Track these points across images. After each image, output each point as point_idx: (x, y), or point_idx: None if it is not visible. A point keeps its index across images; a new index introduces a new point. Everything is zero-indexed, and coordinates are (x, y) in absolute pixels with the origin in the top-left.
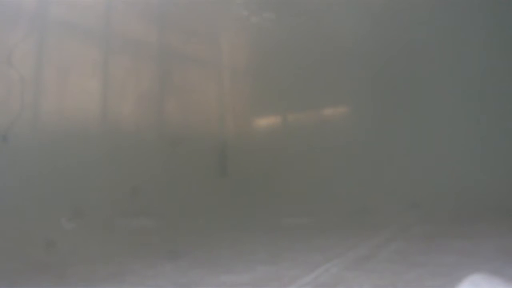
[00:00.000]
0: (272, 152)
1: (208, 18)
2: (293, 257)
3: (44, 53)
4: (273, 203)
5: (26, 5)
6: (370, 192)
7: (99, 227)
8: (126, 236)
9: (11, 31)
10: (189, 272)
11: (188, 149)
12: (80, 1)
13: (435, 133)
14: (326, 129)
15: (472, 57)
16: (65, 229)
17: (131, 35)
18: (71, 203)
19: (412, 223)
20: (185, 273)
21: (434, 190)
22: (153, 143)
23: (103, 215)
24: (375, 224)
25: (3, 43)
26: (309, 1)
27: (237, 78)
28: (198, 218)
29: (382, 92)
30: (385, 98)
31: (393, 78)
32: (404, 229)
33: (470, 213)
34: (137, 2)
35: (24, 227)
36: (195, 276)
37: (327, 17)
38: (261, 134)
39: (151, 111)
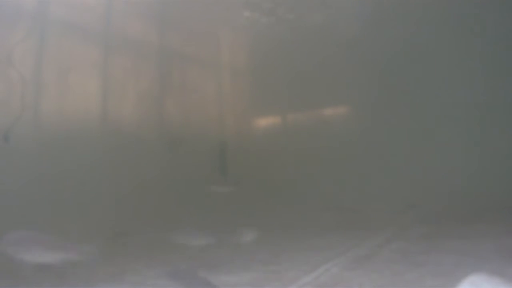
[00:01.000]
0: (272, 151)
1: (208, 18)
2: (293, 257)
3: (44, 53)
4: (273, 203)
5: (26, 5)
6: (370, 192)
7: (99, 227)
8: (126, 237)
9: (11, 31)
10: (189, 272)
11: (188, 149)
12: (80, 1)
13: (435, 133)
14: (326, 129)
15: (472, 57)
16: (65, 230)
17: (131, 35)
18: (71, 202)
19: (412, 223)
20: (185, 273)
21: (434, 190)
22: (153, 142)
23: (103, 215)
24: (375, 224)
25: (4, 43)
26: (309, 1)
27: (237, 78)
28: (197, 217)
29: (382, 92)
30: (385, 98)
31: (393, 78)
32: (404, 229)
33: (470, 213)
34: (137, 2)
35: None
36: (195, 276)
37: (327, 17)
38: (261, 133)
39: (151, 111)
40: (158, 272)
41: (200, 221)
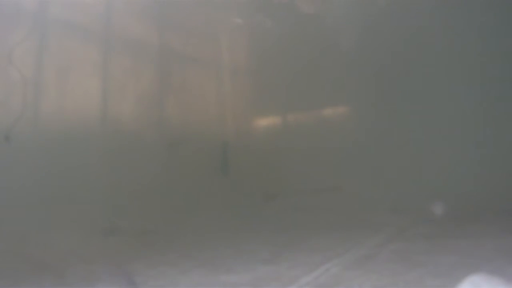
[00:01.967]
0: (272, 151)
1: (208, 18)
2: (293, 257)
3: (45, 53)
4: (273, 203)
5: (26, 5)
6: (370, 192)
7: (100, 228)
8: (126, 237)
9: (11, 31)
10: (189, 272)
11: (188, 149)
12: (80, 1)
13: (435, 133)
14: (326, 129)
15: (473, 57)
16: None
17: (131, 35)
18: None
19: (412, 223)
20: (185, 273)
21: (433, 190)
22: (153, 143)
23: (103, 215)
24: (375, 224)
25: (4, 43)
26: (309, 1)
27: (238, 78)
28: (198, 217)
29: (382, 92)
30: (385, 98)
31: (394, 78)
32: (404, 229)
33: (470, 213)
34: (137, 2)
35: (24, 226)
36: (195, 276)
37: (327, 16)
38: (261, 133)
39: (151, 111)
40: (158, 272)
41: (200, 221)
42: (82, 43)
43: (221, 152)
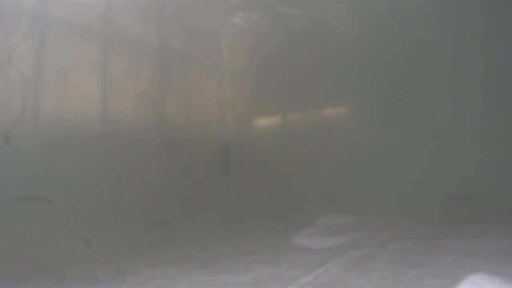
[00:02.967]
0: (273, 151)
1: (208, 18)
2: (293, 257)
3: (45, 53)
4: (273, 203)
5: (26, 5)
6: (370, 192)
7: (100, 227)
8: (126, 237)
9: (11, 31)
10: (189, 272)
11: (189, 149)
12: (80, 1)
13: (435, 133)
14: (326, 129)
15: (473, 57)
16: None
17: (131, 35)
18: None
19: (412, 223)
20: (185, 273)
21: (434, 190)
22: (153, 143)
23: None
24: (375, 224)
25: (4, 43)
26: (309, 1)
27: (238, 77)
28: (198, 217)
29: (383, 92)
30: (385, 98)
31: (394, 78)
32: (404, 229)
33: (470, 213)
34: (137, 2)
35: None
36: (195, 276)
37: (327, 16)
38: (262, 133)
39: (151, 111)
40: (158, 272)
41: (200, 221)
42: (82, 43)
43: (222, 151)
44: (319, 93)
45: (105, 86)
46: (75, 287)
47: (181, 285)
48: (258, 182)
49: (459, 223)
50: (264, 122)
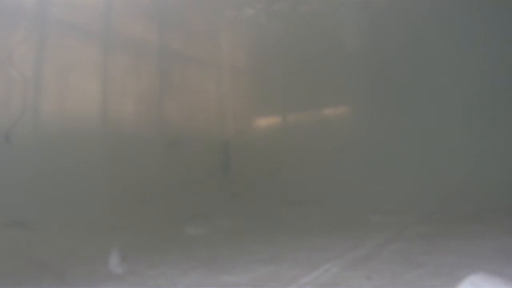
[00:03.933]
0: (273, 150)
1: (208, 18)
2: (293, 257)
3: (45, 53)
4: (274, 202)
5: (26, 5)
6: (369, 192)
7: (99, 227)
8: (125, 236)
9: (11, 31)
10: (189, 272)
11: (189, 148)
12: (80, 1)
13: (435, 132)
14: (326, 129)
15: (473, 56)
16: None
17: (131, 35)
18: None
19: (412, 223)
20: (185, 273)
21: (434, 190)
22: (153, 142)
23: (105, 214)
24: (375, 224)
25: (4, 43)
26: (309, 1)
27: (238, 77)
28: (198, 217)
29: (383, 92)
30: (385, 97)
31: (394, 78)
32: (404, 229)
33: (470, 213)
34: (137, 2)
35: (24, 226)
36: (195, 276)
37: (327, 16)
38: (262, 133)
39: (151, 111)
40: (158, 272)
41: (200, 221)
42: (82, 43)
43: (222, 151)
44: (319, 92)
45: (105, 86)
46: (75, 287)
47: (181, 285)
48: (258, 182)
49: (459, 223)
50: (264, 121)
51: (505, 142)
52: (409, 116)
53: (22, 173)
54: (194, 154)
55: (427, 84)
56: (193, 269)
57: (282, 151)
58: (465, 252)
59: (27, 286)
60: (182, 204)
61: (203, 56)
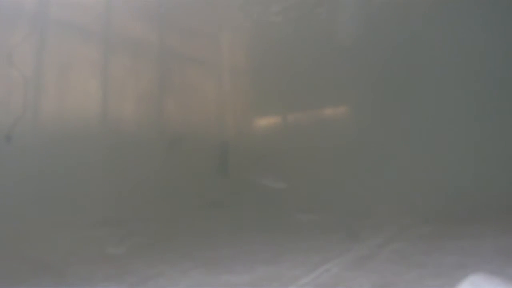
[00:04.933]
0: (273, 150)
1: (208, 18)
2: (293, 257)
3: (45, 53)
4: (273, 202)
5: (26, 5)
6: (369, 192)
7: (99, 227)
8: (125, 236)
9: (11, 31)
10: (189, 272)
11: (188, 148)
12: (80, 1)
13: (435, 133)
14: (326, 129)
15: (473, 56)
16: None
17: (131, 35)
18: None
19: (412, 223)
20: (185, 273)
21: (434, 190)
22: (153, 142)
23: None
24: (375, 224)
25: (4, 43)
26: (309, 1)
27: (237, 77)
28: (198, 217)
29: (383, 92)
30: (385, 98)
31: (394, 78)
32: (404, 229)
33: (470, 213)
34: (137, 2)
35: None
36: (195, 276)
37: (327, 16)
38: (261, 133)
39: (151, 111)
40: (158, 272)
41: (200, 221)
42: (82, 43)
43: (221, 151)
44: (319, 92)
45: (105, 85)
46: (75, 287)
47: (181, 285)
48: (257, 181)
49: (459, 223)
50: (264, 121)
51: (505, 142)
52: (409, 116)
53: (22, 172)
54: (193, 153)
55: (428, 84)
56: (193, 269)
57: (281, 151)
58: (465, 252)
59: (27, 286)
60: (182, 204)
61: (203, 56)
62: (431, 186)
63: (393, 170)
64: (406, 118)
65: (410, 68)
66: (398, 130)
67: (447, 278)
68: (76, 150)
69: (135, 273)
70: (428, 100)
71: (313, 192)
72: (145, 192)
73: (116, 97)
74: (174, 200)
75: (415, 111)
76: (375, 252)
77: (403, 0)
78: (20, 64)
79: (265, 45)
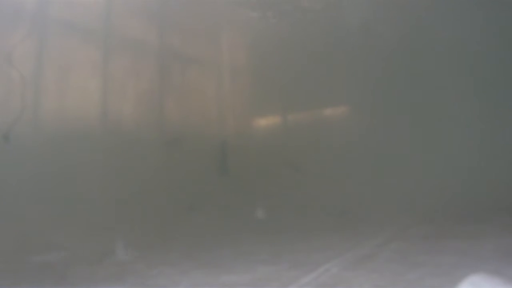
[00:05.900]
0: (272, 150)
1: (208, 18)
2: (293, 257)
3: (44, 53)
4: (273, 203)
5: (26, 5)
6: (369, 192)
7: (99, 226)
8: (125, 236)
9: (11, 31)
10: (189, 272)
11: (188, 148)
12: (80, 1)
13: (435, 133)
14: (326, 129)
15: (474, 56)
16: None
17: (131, 35)
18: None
19: (412, 223)
20: (185, 273)
21: (434, 190)
22: (153, 142)
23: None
24: (375, 224)
25: (4, 43)
26: (309, 1)
27: (237, 77)
28: (198, 217)
29: (383, 92)
30: (385, 98)
31: (394, 78)
32: (404, 229)
33: (470, 213)
34: (137, 2)
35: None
36: (195, 276)
37: (327, 16)
38: (261, 133)
39: (151, 110)
40: (158, 272)
41: (200, 221)
42: (82, 43)
43: (220, 151)
44: (318, 92)
45: (105, 86)
46: (75, 287)
47: (181, 285)
48: (257, 182)
49: (459, 223)
50: (263, 121)
51: (505, 142)
52: (410, 117)
53: (21, 172)
54: (192, 153)
55: (428, 84)
56: (193, 269)
57: (281, 151)
58: (465, 252)
59: (27, 286)
60: (182, 204)
61: (203, 56)
62: (431, 186)
63: (393, 170)
64: (406, 118)
65: (411, 68)
66: (398, 130)
67: (447, 278)
68: (76, 150)
69: (135, 273)
70: (429, 99)
71: (313, 192)
72: (145, 192)
73: (116, 97)
74: (174, 200)
75: (416, 111)
76: (375, 252)
77: (404, 1)
78: (19, 64)
79: (265, 45)
